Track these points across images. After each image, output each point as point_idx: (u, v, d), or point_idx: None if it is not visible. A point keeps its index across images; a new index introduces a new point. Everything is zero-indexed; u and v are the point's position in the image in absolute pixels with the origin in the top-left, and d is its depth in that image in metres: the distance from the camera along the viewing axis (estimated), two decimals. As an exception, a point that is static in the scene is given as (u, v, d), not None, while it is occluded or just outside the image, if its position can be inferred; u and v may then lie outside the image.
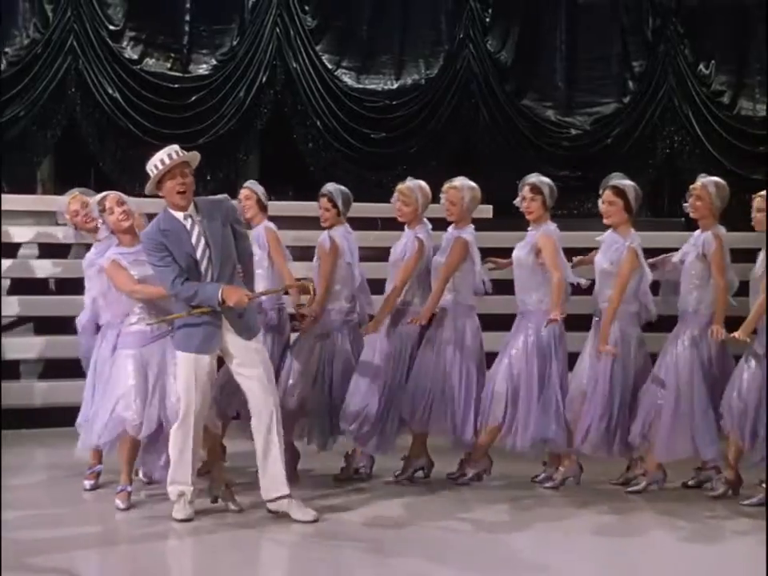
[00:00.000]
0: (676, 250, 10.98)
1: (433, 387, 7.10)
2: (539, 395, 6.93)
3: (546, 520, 6.47)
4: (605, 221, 7.15)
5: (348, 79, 11.88)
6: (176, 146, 6.07)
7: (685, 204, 7.18)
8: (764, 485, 6.72)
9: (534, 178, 7.22)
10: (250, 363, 5.98)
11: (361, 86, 11.91)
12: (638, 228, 9.64)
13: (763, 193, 6.90)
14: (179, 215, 5.99)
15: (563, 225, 11.41)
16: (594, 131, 12.12)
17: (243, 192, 7.68)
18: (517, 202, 7.22)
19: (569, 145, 12.11)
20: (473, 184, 7.28)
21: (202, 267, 5.91)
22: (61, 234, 9.84)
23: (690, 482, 7.22)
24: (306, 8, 11.72)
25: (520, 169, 11.71)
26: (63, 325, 8.53)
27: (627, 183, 7.04)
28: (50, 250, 10.15)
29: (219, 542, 5.76)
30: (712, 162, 11.81)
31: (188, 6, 11.47)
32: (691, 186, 7.14)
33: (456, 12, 11.95)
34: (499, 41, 12.09)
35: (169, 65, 11.53)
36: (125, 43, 11.40)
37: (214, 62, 11.63)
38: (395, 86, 11.97)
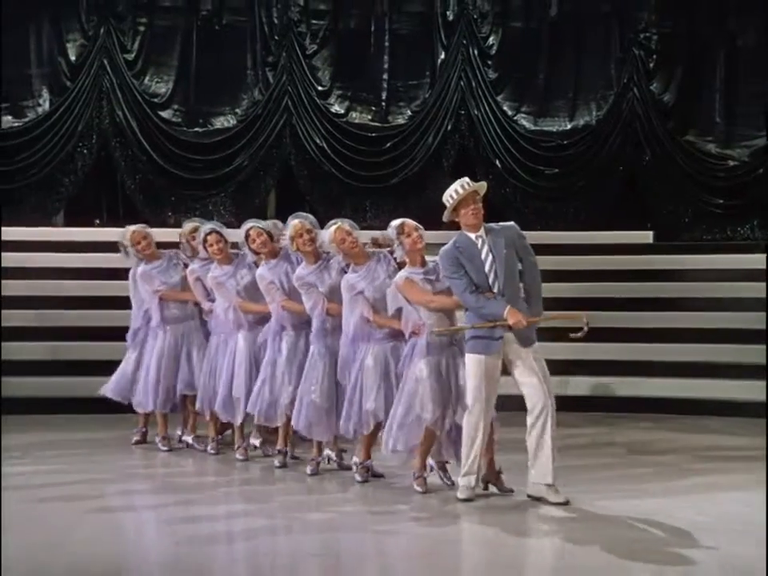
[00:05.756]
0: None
1: None
2: None
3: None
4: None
5: (526, 122, 13.34)
6: (466, 178, 6.74)
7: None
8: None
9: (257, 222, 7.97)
10: (527, 368, 6.67)
11: (537, 128, 13.34)
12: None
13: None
14: (471, 235, 6.81)
15: (720, 248, 12.47)
16: (750, 162, 12.99)
17: None
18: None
19: (724, 175, 13.05)
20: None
21: (491, 279, 6.62)
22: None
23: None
24: (489, 62, 13.32)
25: (679, 198, 13.02)
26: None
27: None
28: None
29: (501, 522, 6.34)
30: None
31: (386, 66, 13.30)
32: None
33: (624, 59, 13.24)
34: (663, 83, 13.26)
35: (370, 117, 13.38)
36: (332, 100, 13.33)
37: (408, 112, 13.37)
38: (569, 126, 13.36)
